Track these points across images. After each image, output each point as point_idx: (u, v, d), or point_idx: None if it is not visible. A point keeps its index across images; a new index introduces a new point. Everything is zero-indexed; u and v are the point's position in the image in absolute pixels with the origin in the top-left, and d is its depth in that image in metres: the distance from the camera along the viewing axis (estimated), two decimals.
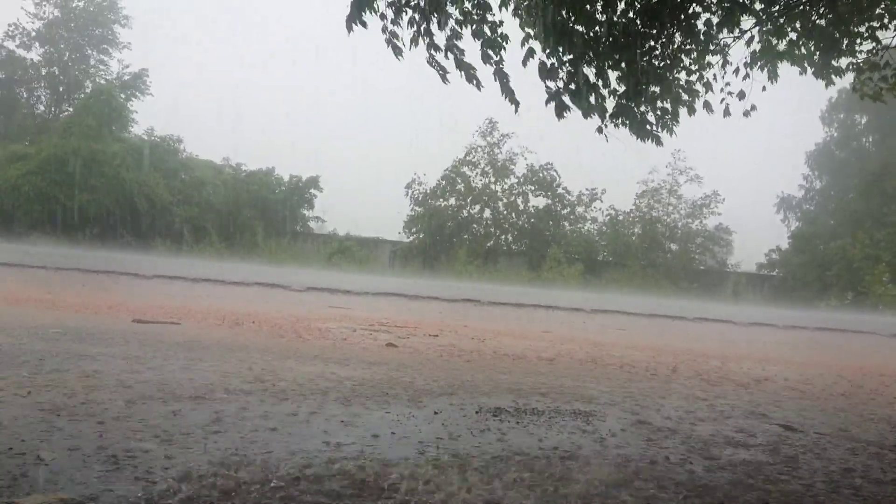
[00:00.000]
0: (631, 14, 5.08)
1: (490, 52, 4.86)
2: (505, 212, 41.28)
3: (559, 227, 41.18)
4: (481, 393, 5.26)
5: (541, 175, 40.74)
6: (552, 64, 4.95)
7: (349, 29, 4.87)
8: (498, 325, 13.04)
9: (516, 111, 5.07)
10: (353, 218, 51.05)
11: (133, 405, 3.96)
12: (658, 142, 5.46)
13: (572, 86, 5.03)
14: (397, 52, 4.98)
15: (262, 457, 3.15)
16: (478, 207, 41.14)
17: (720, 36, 5.76)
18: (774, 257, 42.91)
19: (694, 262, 41.28)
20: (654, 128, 5.48)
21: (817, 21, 5.91)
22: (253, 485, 2.77)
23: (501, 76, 4.87)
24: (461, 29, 4.83)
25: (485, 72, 5.03)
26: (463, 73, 4.83)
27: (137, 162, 33.62)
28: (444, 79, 4.91)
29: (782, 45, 6.08)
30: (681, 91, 5.74)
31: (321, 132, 67.64)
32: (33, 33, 38.94)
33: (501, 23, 4.91)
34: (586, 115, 5.21)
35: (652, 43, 5.19)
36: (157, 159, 35.01)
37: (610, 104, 5.36)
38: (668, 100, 5.63)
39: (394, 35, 4.99)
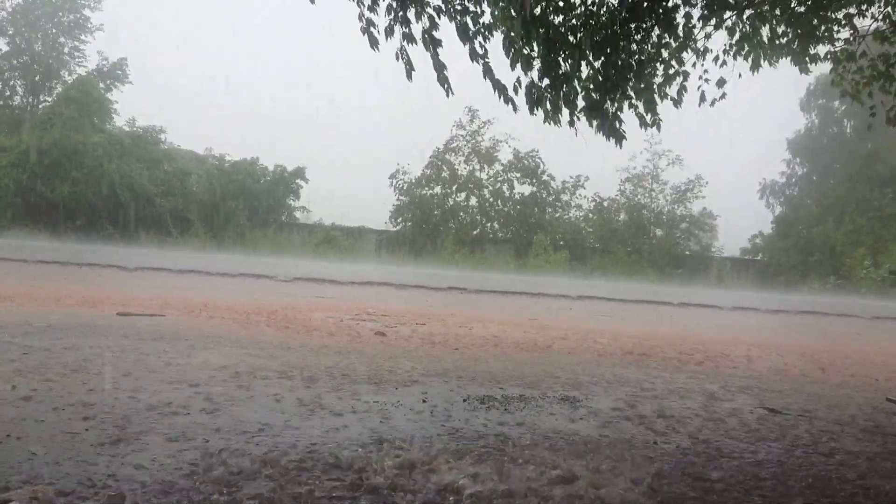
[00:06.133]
0: (605, 7, 5.07)
1: (476, 47, 4.81)
2: (491, 199, 41.33)
3: (545, 214, 41.32)
4: (469, 380, 5.30)
5: (525, 162, 40.80)
6: (528, 55, 4.93)
7: None
8: (485, 312, 13.09)
9: (515, 111, 5.03)
10: (339, 207, 50.86)
11: (121, 399, 3.96)
12: (620, 141, 5.45)
13: (547, 80, 5.01)
14: (373, 42, 4.90)
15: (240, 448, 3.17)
16: (463, 195, 41.16)
17: (699, 28, 5.79)
18: (758, 242, 43.37)
19: (679, 248, 41.58)
20: (623, 124, 5.48)
21: (796, 8, 5.96)
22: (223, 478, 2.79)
23: (490, 73, 4.83)
24: (439, 18, 4.77)
25: (461, 63, 5.00)
26: (436, 72, 4.78)
27: (119, 153, 33.24)
28: (408, 75, 4.85)
29: (764, 33, 6.12)
30: (657, 84, 5.75)
31: (305, 121, 67.23)
32: (2, 22, 37.93)
33: (483, 12, 4.87)
34: (556, 112, 5.20)
35: (630, 37, 5.18)
36: (139, 150, 34.65)
37: (580, 101, 5.35)
38: (647, 94, 5.64)
39: (370, 23, 4.89)
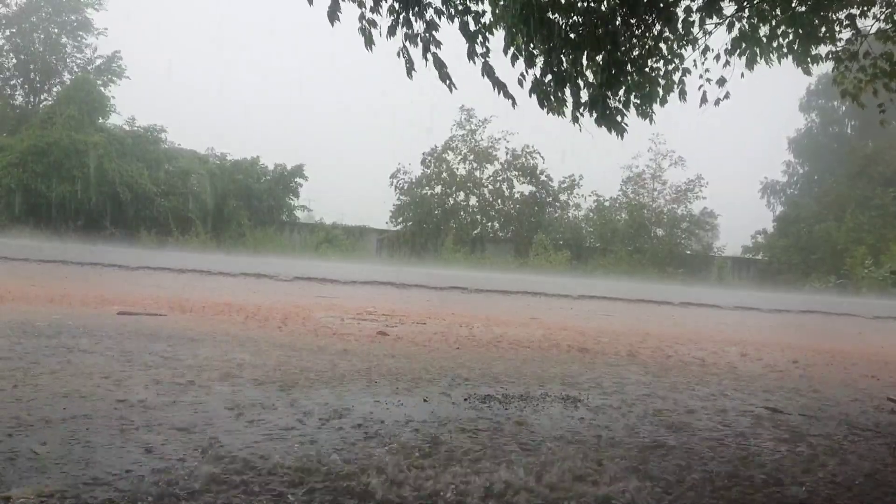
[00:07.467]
0: (606, 3, 5.08)
1: (476, 45, 4.83)
2: (490, 199, 41.34)
3: (544, 213, 41.35)
4: (470, 380, 5.30)
5: (523, 159, 40.79)
6: (530, 52, 4.95)
7: (332, 21, 4.82)
8: (485, 312, 13.09)
9: (514, 106, 5.05)
10: (340, 207, 50.90)
11: (121, 398, 3.96)
12: (621, 134, 5.46)
13: (549, 76, 5.02)
14: (369, 41, 4.95)
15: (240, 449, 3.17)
16: (463, 195, 41.17)
17: (700, 23, 5.78)
18: (760, 240, 43.37)
19: (680, 247, 41.58)
20: (625, 118, 5.49)
21: (797, 8, 5.95)
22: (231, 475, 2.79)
23: (489, 71, 4.85)
24: (439, 19, 4.79)
25: (461, 61, 5.01)
26: (436, 69, 4.80)
27: (120, 153, 33.25)
28: (409, 72, 4.88)
29: (763, 31, 6.12)
30: (658, 79, 5.76)
31: (305, 120, 67.30)
32: (3, 21, 37.86)
33: (484, 12, 4.88)
34: (560, 107, 5.21)
35: (630, 31, 5.19)
36: (139, 149, 34.65)
37: (583, 94, 5.36)
38: (646, 88, 5.64)
39: (371, 23, 4.92)
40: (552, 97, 5.15)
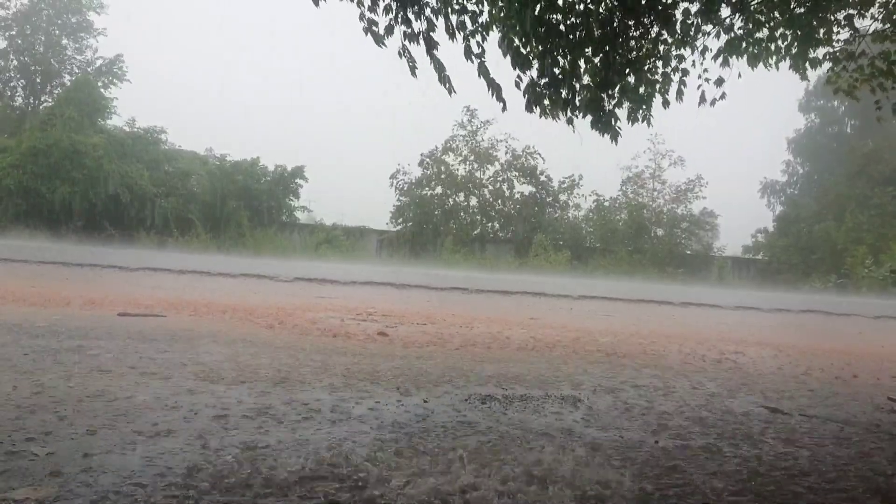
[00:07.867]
0: (604, 5, 5.08)
1: (473, 45, 4.84)
2: (491, 199, 41.37)
3: (544, 213, 41.40)
4: (470, 380, 5.30)
5: (523, 160, 40.86)
6: (527, 54, 4.95)
7: (316, 1, 4.82)
8: (486, 312, 13.09)
9: (503, 110, 5.07)
10: (340, 208, 50.93)
11: (122, 400, 3.97)
12: (615, 138, 5.48)
13: (546, 78, 5.03)
14: (378, 40, 4.93)
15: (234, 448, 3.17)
16: (463, 195, 41.21)
17: (696, 28, 5.78)
18: (760, 240, 43.41)
19: (680, 247, 41.63)
20: (619, 121, 5.50)
21: (795, 9, 5.96)
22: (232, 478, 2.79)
23: (485, 72, 4.85)
24: (437, 19, 4.79)
25: (460, 62, 5.01)
26: (436, 72, 4.81)
27: (120, 154, 33.31)
28: (412, 72, 4.89)
29: (761, 35, 6.12)
30: (656, 80, 5.76)
31: (305, 121, 67.33)
32: (4, 22, 37.91)
33: (481, 12, 4.88)
34: (555, 109, 5.22)
35: (628, 34, 5.19)
36: (139, 150, 34.72)
37: (578, 98, 5.37)
38: (642, 89, 5.64)
39: (372, 23, 4.93)
40: (545, 101, 5.15)
